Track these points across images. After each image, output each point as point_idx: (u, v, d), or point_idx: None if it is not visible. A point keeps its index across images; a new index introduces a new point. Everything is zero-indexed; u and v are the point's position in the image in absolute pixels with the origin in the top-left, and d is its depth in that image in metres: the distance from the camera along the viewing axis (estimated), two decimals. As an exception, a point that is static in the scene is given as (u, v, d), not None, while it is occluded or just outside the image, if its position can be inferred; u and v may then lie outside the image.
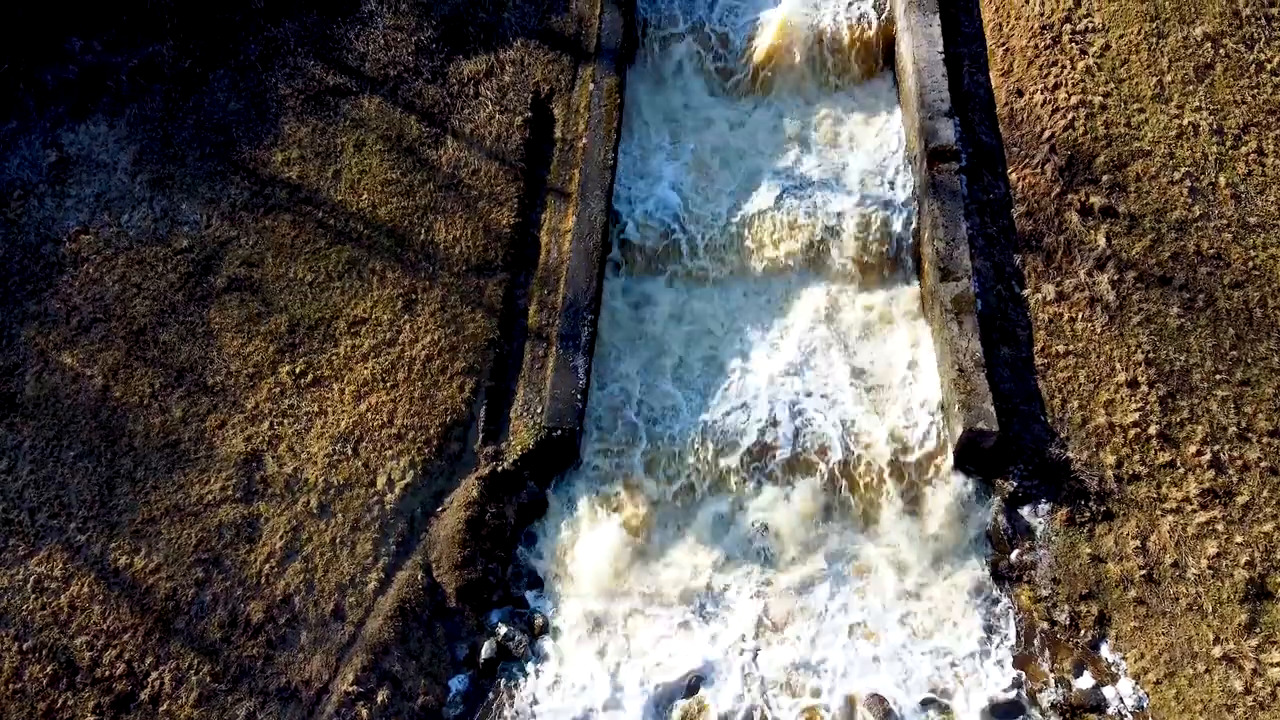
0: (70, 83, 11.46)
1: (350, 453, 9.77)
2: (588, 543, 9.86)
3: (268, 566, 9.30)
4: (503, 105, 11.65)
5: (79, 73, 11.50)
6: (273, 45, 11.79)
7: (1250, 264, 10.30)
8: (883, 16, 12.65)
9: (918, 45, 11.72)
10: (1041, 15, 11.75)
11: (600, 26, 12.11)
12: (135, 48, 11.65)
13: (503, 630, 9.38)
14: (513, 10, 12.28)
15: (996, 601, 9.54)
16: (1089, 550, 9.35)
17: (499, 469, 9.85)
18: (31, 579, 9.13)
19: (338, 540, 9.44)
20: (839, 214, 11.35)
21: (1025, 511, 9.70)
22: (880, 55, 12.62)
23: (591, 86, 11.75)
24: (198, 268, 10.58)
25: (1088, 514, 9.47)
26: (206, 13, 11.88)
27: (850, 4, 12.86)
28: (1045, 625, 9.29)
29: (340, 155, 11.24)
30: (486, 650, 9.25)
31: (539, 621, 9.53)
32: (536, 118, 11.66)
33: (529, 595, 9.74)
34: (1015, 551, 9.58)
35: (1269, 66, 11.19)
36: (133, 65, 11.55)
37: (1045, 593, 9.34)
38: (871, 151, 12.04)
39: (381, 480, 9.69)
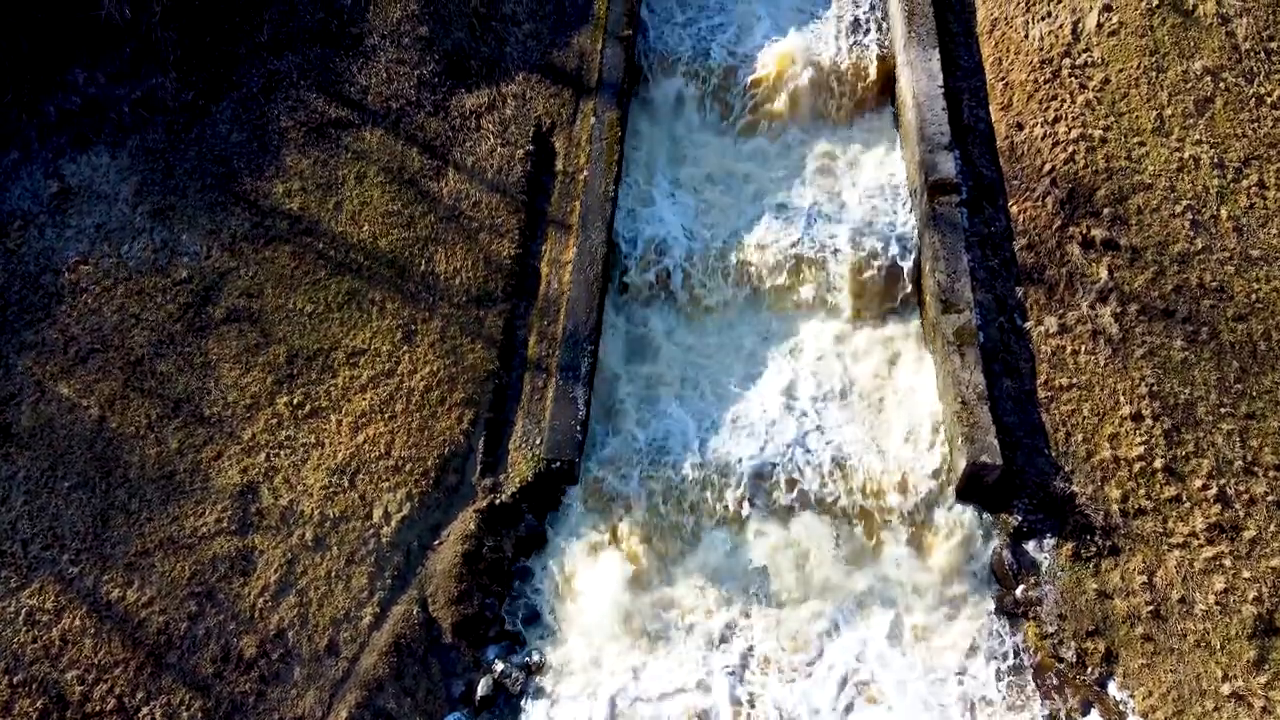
0: (73, 114, 11.52)
1: (347, 485, 9.68)
2: (586, 577, 9.73)
3: (261, 600, 9.17)
4: (504, 138, 11.69)
5: (81, 104, 11.56)
6: (275, 78, 11.85)
7: (1253, 297, 10.25)
8: (883, 51, 12.73)
9: (918, 79, 11.77)
10: (1041, 50, 11.80)
11: (602, 61, 12.19)
12: (138, 79, 11.72)
13: (499, 667, 9.23)
14: (515, 45, 12.36)
15: (1002, 638, 9.40)
16: (1095, 586, 9.22)
17: (497, 502, 9.76)
18: (23, 611, 9.02)
19: (333, 574, 9.33)
20: (839, 246, 11.33)
21: (1030, 546, 9.58)
22: (881, 89, 12.68)
23: (593, 120, 11.80)
24: (197, 298, 10.55)
25: (1093, 549, 9.35)
26: (210, 46, 11.97)
27: (850, 39, 12.95)
28: (1051, 662, 9.13)
29: (341, 187, 11.25)
30: (483, 687, 9.10)
31: (536, 658, 9.39)
32: (538, 151, 11.70)
33: (526, 631, 9.60)
34: (1020, 587, 9.45)
35: (1269, 100, 11.22)
36: (135, 97, 11.61)
37: (1051, 629, 9.20)
38: (872, 184, 12.04)
39: (378, 513, 9.60)
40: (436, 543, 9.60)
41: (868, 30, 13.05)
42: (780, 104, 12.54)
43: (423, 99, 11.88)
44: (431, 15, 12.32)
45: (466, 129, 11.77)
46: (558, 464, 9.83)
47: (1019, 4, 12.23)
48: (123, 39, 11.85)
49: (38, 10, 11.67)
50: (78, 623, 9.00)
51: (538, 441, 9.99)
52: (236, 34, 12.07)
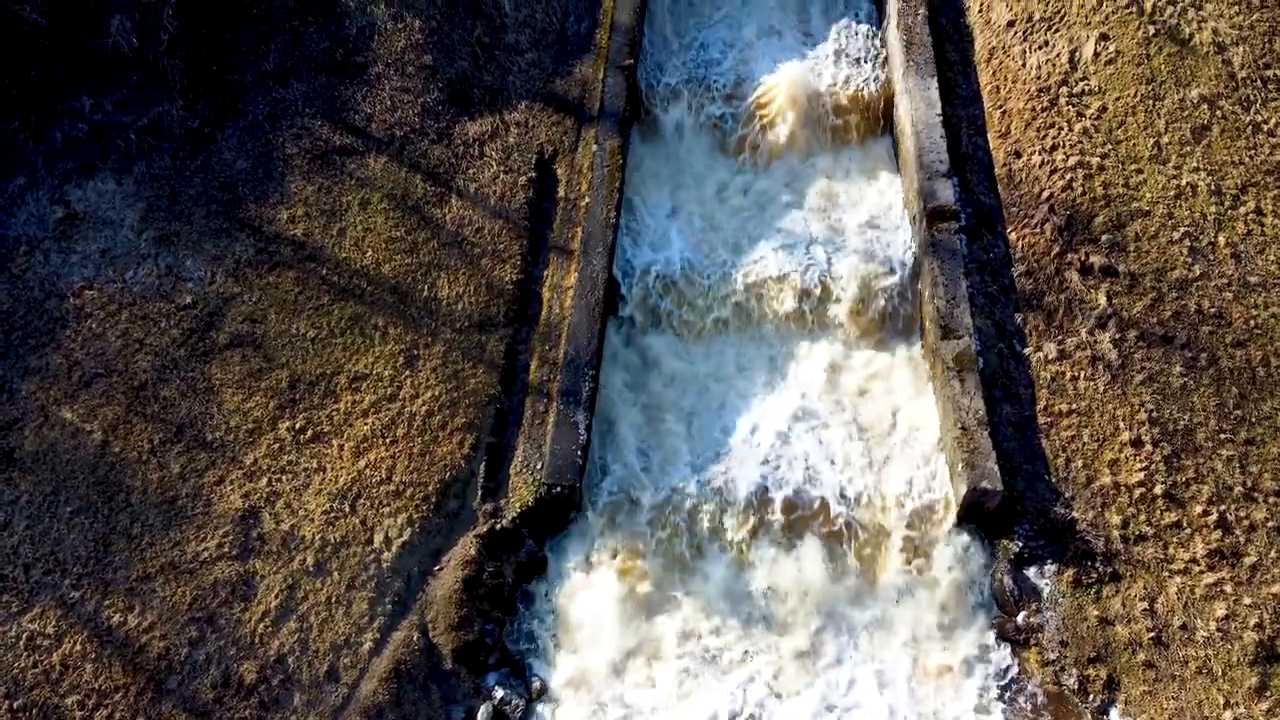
0: (79, 140, 11.64)
1: (348, 510, 9.70)
2: (586, 603, 9.72)
3: (262, 626, 9.17)
4: (507, 165, 11.79)
5: (88, 131, 11.68)
6: (281, 106, 11.97)
7: (1252, 323, 10.29)
8: (881, 80, 12.85)
9: (916, 108, 11.87)
10: (1038, 79, 11.91)
11: (603, 90, 12.31)
12: (145, 107, 11.85)
13: (499, 693, 9.21)
14: (518, 74, 12.48)
15: (1004, 665, 9.37)
16: (1096, 612, 9.20)
17: (498, 527, 9.77)
18: (24, 636, 9.02)
19: (333, 599, 9.33)
20: (839, 272, 11.40)
21: (1031, 572, 9.56)
22: (879, 117, 12.78)
23: (595, 147, 11.90)
24: (200, 324, 10.61)
25: (1094, 575, 9.34)
26: (216, 74, 12.10)
27: (848, 68, 13.07)
28: (1054, 689, 9.10)
29: (345, 213, 11.34)
30: (483, 714, 9.08)
31: (536, 685, 9.37)
32: (540, 177, 11.79)
33: (527, 657, 9.59)
34: (1022, 614, 9.43)
35: (1265, 128, 11.31)
36: (142, 124, 11.73)
37: (1053, 656, 9.17)
38: (871, 211, 12.12)
39: (379, 538, 9.61)
40: (437, 568, 9.60)
41: (865, 59, 13.18)
42: (779, 132, 12.64)
43: (426, 126, 11.99)
44: (435, 44, 12.46)
45: (470, 156, 11.87)
46: (559, 489, 9.85)
47: (1016, 33, 12.35)
48: (130, 67, 11.99)
49: (46, 39, 11.82)
50: (78, 648, 8.99)
51: (539, 466, 10.01)
52: (243, 63, 12.21)
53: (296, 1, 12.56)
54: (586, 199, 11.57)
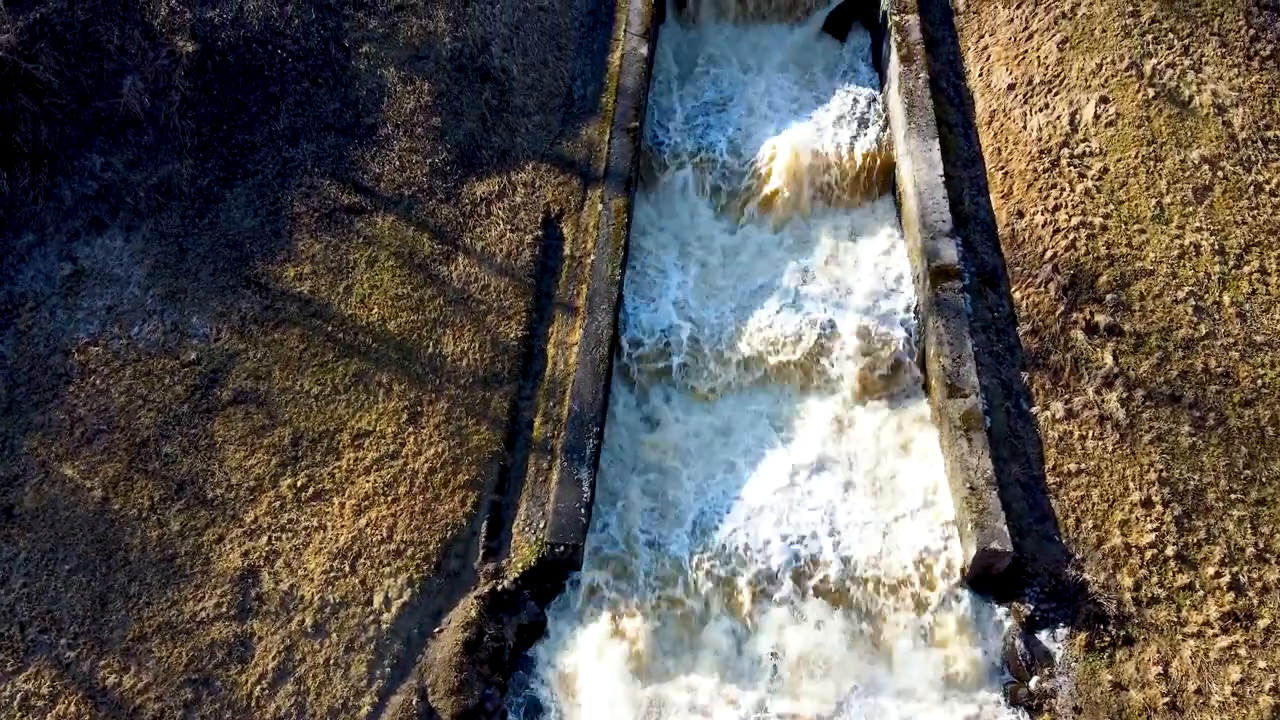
0: (89, 198, 11.75)
1: (348, 569, 9.58)
2: (589, 667, 9.54)
3: (259, 688, 9.00)
4: (514, 224, 11.87)
5: (98, 188, 11.80)
6: (290, 165, 12.10)
7: (1259, 382, 10.24)
8: (884, 141, 12.99)
9: (918, 169, 11.98)
10: (1039, 140, 12.03)
11: (609, 151, 12.46)
12: (155, 165, 11.98)
13: (500, 758, 9.00)
14: (525, 135, 12.63)
15: (1016, 732, 9.17)
16: (1110, 677, 9.01)
17: (499, 587, 9.63)
18: (18, 696, 8.86)
19: (332, 661, 9.16)
20: (844, 331, 11.39)
21: (1043, 636, 9.39)
22: (882, 178, 12.89)
23: (600, 207, 12.00)
24: (204, 380, 10.60)
25: (1107, 639, 9.17)
26: (227, 133, 12.25)
27: (851, 129, 13.22)
28: (1067, 757, 8.88)
29: (352, 271, 11.39)
30: (482, 779, 8.87)
31: (538, 749, 9.16)
32: (546, 236, 11.87)
33: (528, 721, 9.39)
34: (1034, 679, 9.23)
35: (1268, 188, 11.38)
36: (152, 182, 11.85)
37: (1066, 722, 8.97)
38: (874, 271, 12.16)
39: (379, 599, 9.47)
40: (437, 630, 9.44)
41: (868, 121, 13.33)
42: (783, 193, 12.74)
43: (434, 186, 12.10)
44: (444, 107, 12.63)
45: (477, 215, 11.96)
46: (561, 548, 9.73)
47: (1017, 96, 12.51)
48: (141, 126, 12.15)
49: (58, 98, 12.00)
50: (73, 709, 8.82)
51: (541, 525, 9.90)
52: (254, 122, 12.37)
53: (308, 64, 12.76)
54: (592, 256, 11.63)
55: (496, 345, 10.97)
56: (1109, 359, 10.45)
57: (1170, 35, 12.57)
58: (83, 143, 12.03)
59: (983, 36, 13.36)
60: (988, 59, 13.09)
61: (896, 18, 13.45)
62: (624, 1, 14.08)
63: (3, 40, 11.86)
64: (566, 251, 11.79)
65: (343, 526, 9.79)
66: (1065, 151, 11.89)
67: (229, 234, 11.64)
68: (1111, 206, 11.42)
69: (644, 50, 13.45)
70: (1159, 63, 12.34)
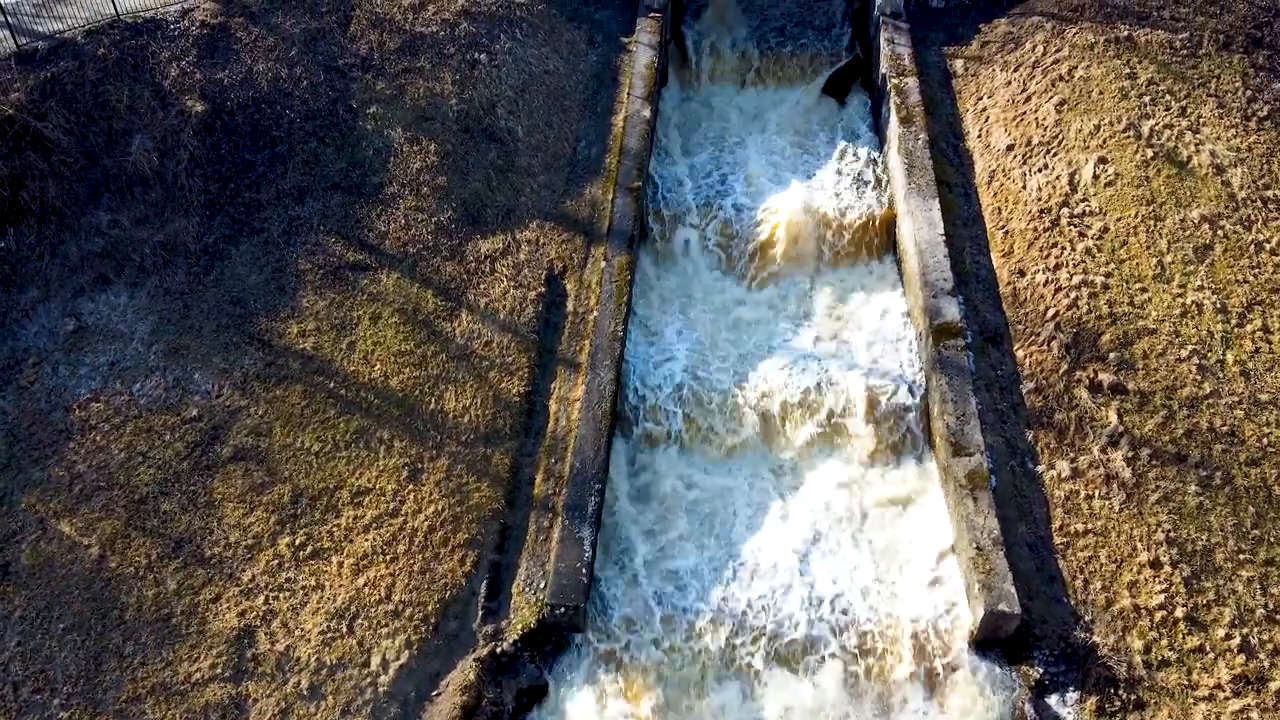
0: (94, 254, 11.83)
1: (345, 630, 9.44)
2: (591, 730, 9.35)
3: (253, 751, 8.83)
4: (517, 281, 11.93)
5: (104, 245, 11.89)
6: (296, 223, 12.21)
7: (1265, 440, 10.17)
8: (884, 201, 13.09)
9: (919, 228, 12.05)
10: (1039, 200, 12.11)
11: (613, 210, 12.57)
12: (162, 223, 12.09)
13: (498, 825, 8.78)
14: (530, 195, 12.76)
15: (1026, 800, 8.94)
16: (1122, 743, 8.81)
17: (498, 649, 9.47)
18: (4, 761, 8.69)
19: (328, 723, 8.99)
20: (846, 389, 11.36)
21: (1053, 700, 9.20)
22: (882, 237, 12.97)
23: (603, 264, 12.06)
24: (205, 437, 10.57)
25: (1118, 703, 8.98)
26: (234, 192, 12.38)
27: (851, 189, 13.34)
28: (1080, 827, 8.64)
29: (355, 327, 11.42)
30: None
31: (537, 817, 8.93)
32: (550, 293, 11.92)
33: (527, 788, 9.17)
34: (1044, 744, 9.03)
35: (1268, 246, 11.41)
36: (158, 240, 11.95)
37: (1078, 790, 8.74)
38: (876, 329, 12.17)
39: (376, 660, 9.32)
40: (435, 693, 9.27)
41: (868, 181, 13.47)
42: (785, 252, 12.82)
43: (439, 244, 12.19)
44: (450, 166, 12.77)
45: (481, 272, 12.02)
46: (562, 609, 9.59)
47: (1016, 157, 12.63)
48: (149, 184, 12.29)
49: (67, 156, 12.15)
50: (60, 774, 8.66)
51: (541, 585, 9.78)
52: (260, 181, 12.50)
53: (315, 124, 12.94)
54: (595, 313, 11.66)
55: (498, 401, 10.95)
56: (1113, 417, 10.40)
57: (1167, 97, 12.72)
58: (90, 200, 12.15)
59: (981, 99, 13.54)
60: (986, 120, 13.25)
61: (896, 80, 13.66)
62: (627, 65, 14.33)
63: (13, 99, 12.06)
64: (569, 308, 11.83)
65: (341, 586, 9.67)
66: (1065, 211, 11.96)
67: (233, 291, 11.69)
68: (1113, 265, 11.45)
69: (647, 112, 13.64)
70: (1157, 124, 12.48)
